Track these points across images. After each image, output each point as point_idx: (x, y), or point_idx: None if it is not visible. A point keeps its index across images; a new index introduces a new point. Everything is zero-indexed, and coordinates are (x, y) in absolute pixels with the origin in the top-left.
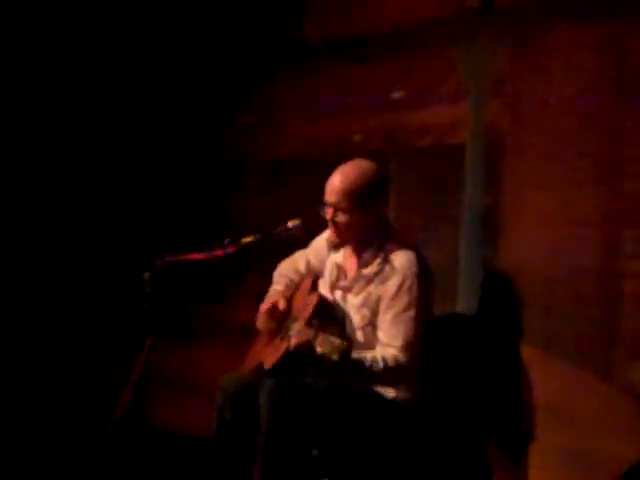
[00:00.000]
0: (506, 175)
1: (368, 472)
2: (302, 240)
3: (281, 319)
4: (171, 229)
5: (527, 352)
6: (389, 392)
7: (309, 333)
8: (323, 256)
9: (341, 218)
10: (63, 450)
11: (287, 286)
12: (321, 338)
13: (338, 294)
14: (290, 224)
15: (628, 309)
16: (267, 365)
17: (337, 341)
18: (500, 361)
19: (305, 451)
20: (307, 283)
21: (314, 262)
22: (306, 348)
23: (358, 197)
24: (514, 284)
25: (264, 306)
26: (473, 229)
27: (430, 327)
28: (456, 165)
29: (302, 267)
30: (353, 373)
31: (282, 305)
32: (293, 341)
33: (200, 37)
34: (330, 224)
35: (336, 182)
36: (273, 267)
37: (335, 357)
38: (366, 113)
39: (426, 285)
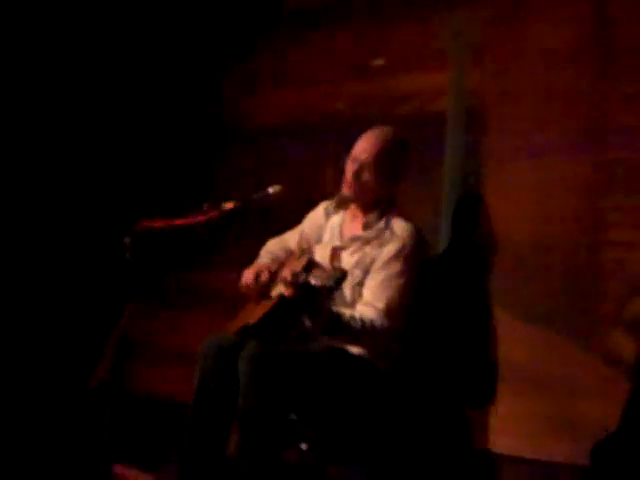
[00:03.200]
0: (487, 143)
1: (346, 436)
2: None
3: (266, 285)
4: (154, 195)
5: (507, 319)
6: (369, 355)
7: (301, 266)
8: (320, 223)
9: (365, 176)
10: (45, 413)
11: (273, 261)
12: (315, 272)
13: (334, 253)
14: (271, 190)
15: (608, 277)
16: (253, 320)
17: (332, 270)
18: (468, 321)
19: (284, 416)
20: (295, 255)
21: (308, 232)
22: (298, 282)
23: (387, 159)
24: (486, 248)
25: (249, 270)
26: (454, 197)
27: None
28: (437, 133)
29: (292, 244)
30: (331, 324)
31: (268, 270)
32: (285, 273)
33: (182, 7)
34: (350, 179)
35: (370, 141)
36: (255, 233)
37: (330, 283)
38: (347, 81)
39: (420, 260)
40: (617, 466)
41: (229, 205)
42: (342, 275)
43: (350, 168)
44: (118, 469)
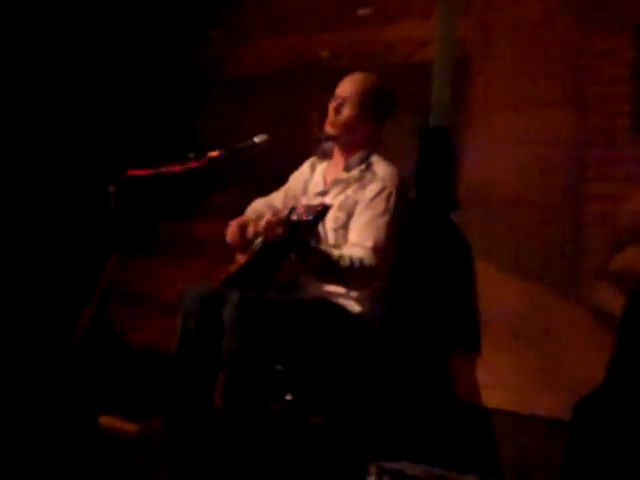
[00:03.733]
0: (474, 94)
1: (331, 388)
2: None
3: (251, 238)
4: (138, 143)
5: (491, 272)
6: (355, 307)
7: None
8: (305, 177)
9: (346, 110)
10: (29, 364)
11: (258, 217)
12: (296, 210)
13: (318, 199)
14: (257, 139)
15: (593, 230)
16: (232, 269)
17: (313, 206)
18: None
19: (269, 367)
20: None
21: (294, 188)
22: (280, 221)
23: (368, 96)
24: (469, 199)
25: (234, 223)
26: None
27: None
28: (424, 83)
29: (278, 203)
30: (319, 262)
31: (253, 223)
32: (266, 219)
33: None
34: (331, 114)
35: (353, 78)
36: (239, 183)
37: (310, 217)
38: (333, 29)
39: (403, 201)
40: (599, 422)
41: (214, 154)
42: (323, 209)
43: (332, 105)
44: (104, 419)
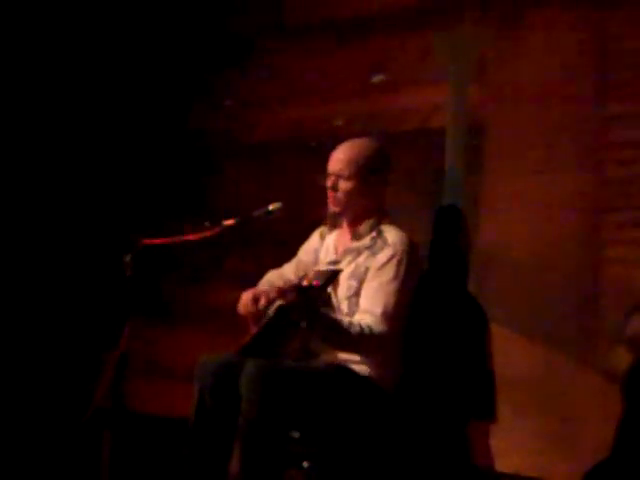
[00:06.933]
0: (487, 159)
1: (349, 455)
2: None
3: (262, 309)
4: (152, 213)
5: (507, 336)
6: (370, 374)
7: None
8: (316, 247)
9: (342, 185)
10: (44, 431)
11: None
12: (307, 276)
13: (330, 268)
14: (271, 207)
15: (609, 294)
16: (246, 339)
17: (323, 270)
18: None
19: (286, 434)
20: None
21: (305, 259)
22: (291, 287)
23: (360, 167)
24: (485, 264)
25: (247, 293)
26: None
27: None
28: (437, 149)
29: (290, 275)
30: (330, 330)
31: (266, 295)
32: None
33: (177, 19)
34: (330, 193)
35: (340, 151)
36: (254, 250)
37: (321, 281)
38: (347, 97)
39: (414, 267)
40: None
41: (229, 222)
42: (333, 273)
43: (328, 184)
44: None
